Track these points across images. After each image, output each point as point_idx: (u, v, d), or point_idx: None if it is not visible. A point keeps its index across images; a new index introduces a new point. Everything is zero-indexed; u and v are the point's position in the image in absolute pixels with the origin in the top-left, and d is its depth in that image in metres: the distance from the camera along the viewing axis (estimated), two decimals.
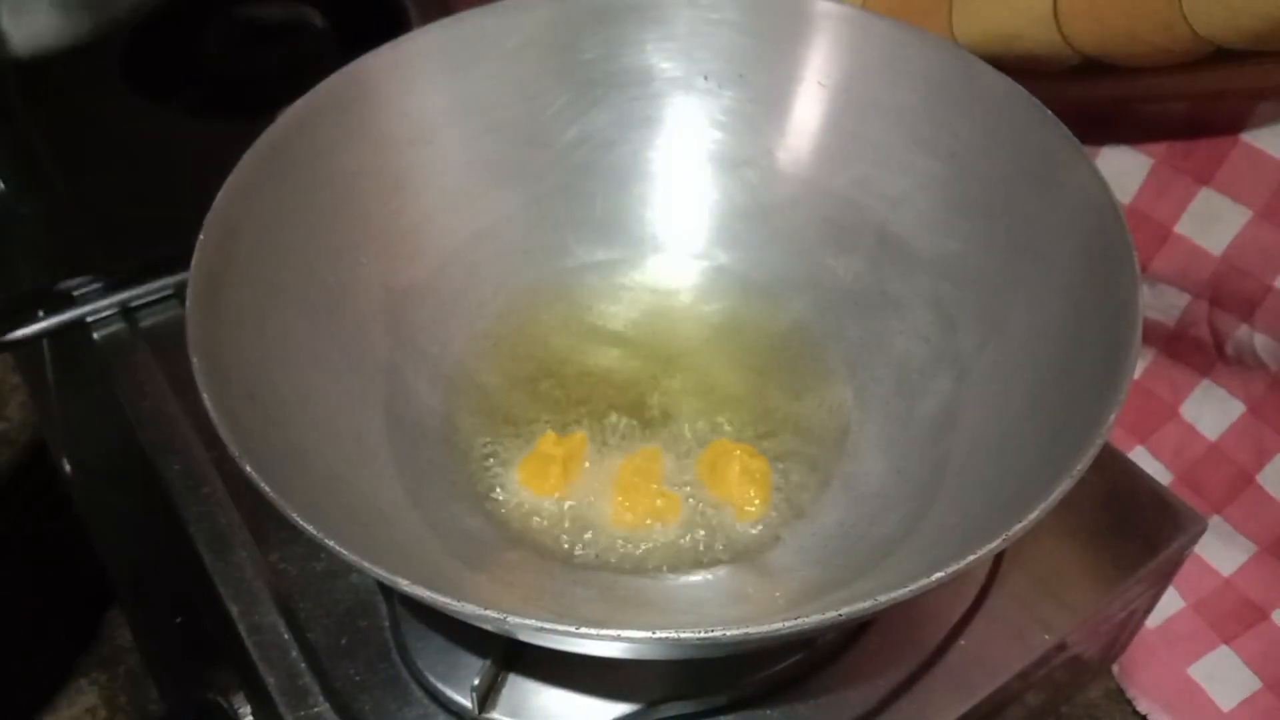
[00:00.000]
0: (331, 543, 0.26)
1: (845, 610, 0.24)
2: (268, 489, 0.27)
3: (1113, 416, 0.28)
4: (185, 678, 0.46)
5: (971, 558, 0.25)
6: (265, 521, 0.39)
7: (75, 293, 0.46)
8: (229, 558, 0.38)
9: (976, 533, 0.27)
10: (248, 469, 0.27)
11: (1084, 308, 0.33)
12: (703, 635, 0.24)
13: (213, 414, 0.29)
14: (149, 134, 0.55)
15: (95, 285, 0.46)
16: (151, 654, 0.55)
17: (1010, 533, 0.26)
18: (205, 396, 0.29)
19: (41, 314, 0.45)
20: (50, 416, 0.57)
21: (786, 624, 0.24)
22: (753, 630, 0.24)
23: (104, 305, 0.46)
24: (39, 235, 0.51)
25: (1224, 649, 0.51)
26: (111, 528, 0.54)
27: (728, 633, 0.24)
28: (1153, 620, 0.51)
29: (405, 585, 0.25)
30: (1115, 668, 0.54)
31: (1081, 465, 0.27)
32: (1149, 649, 0.52)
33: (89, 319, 0.46)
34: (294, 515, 0.27)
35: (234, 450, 0.28)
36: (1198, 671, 0.51)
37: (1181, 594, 0.52)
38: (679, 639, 0.24)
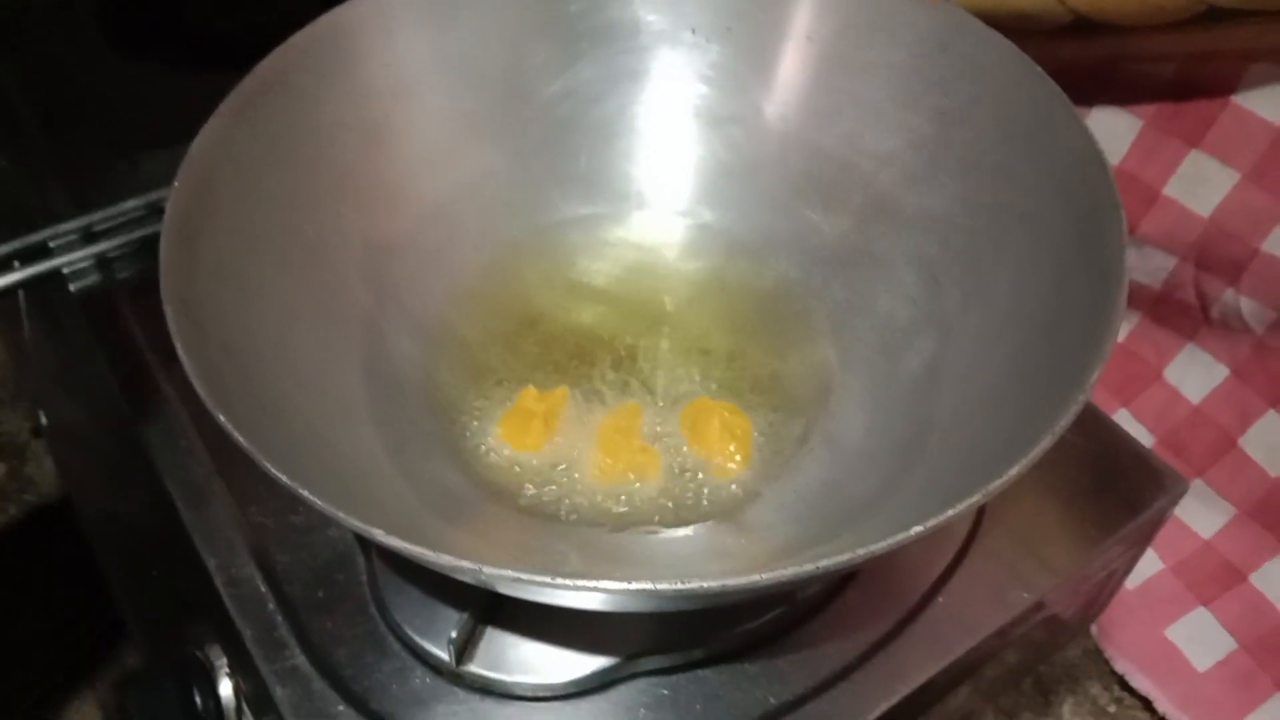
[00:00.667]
0: (306, 493, 0.26)
1: (823, 563, 0.24)
2: (242, 439, 0.27)
3: (1096, 373, 0.28)
4: (162, 631, 0.46)
5: (950, 512, 0.25)
6: (242, 475, 0.38)
7: (51, 244, 0.45)
8: (205, 511, 0.37)
9: (957, 490, 0.26)
10: (221, 419, 0.27)
11: (1070, 267, 0.33)
12: (680, 587, 0.24)
13: (187, 364, 0.28)
14: (128, 88, 0.54)
15: (72, 237, 0.45)
16: (129, 609, 0.55)
17: (990, 488, 0.26)
18: (179, 346, 0.28)
19: (17, 265, 0.45)
20: (27, 370, 0.57)
21: (764, 576, 0.24)
22: (730, 582, 0.24)
23: (80, 256, 0.45)
24: (16, 188, 0.50)
25: (1201, 610, 0.51)
26: (88, 481, 0.54)
27: (705, 584, 0.24)
28: (1132, 581, 0.52)
29: (381, 536, 0.25)
30: (1094, 628, 0.55)
31: (1064, 422, 0.27)
32: (1128, 609, 0.53)
33: (65, 270, 0.45)
34: (269, 465, 0.26)
35: (208, 401, 0.27)
36: (1175, 633, 0.52)
37: (1161, 556, 0.53)
38: (656, 590, 0.24)
